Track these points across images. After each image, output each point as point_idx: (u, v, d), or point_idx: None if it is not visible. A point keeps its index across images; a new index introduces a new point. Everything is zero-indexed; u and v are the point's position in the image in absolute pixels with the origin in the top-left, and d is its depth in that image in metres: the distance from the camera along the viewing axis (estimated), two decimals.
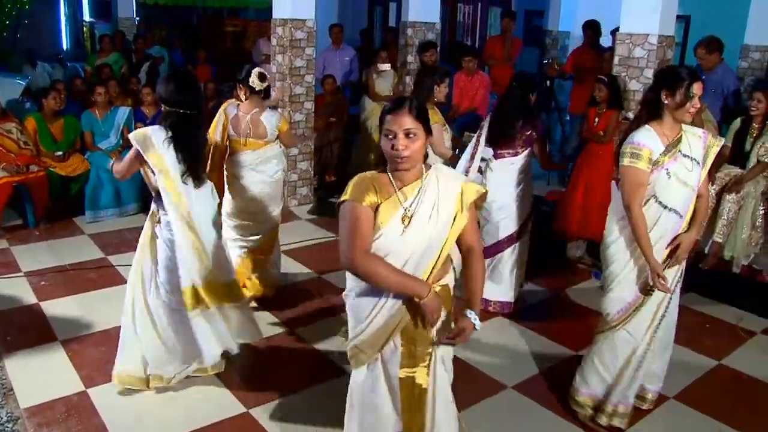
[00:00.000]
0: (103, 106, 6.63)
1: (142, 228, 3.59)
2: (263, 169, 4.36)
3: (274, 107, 4.80)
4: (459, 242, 2.46)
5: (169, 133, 3.33)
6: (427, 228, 2.32)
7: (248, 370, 3.84)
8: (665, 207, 3.02)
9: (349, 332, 2.54)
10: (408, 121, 2.26)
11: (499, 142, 4.42)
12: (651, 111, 3.08)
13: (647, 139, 3.00)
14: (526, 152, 4.47)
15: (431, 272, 2.37)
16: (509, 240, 4.54)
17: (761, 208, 4.67)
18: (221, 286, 3.57)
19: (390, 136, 2.27)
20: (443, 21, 10.12)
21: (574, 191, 5.45)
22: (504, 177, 4.44)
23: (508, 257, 4.50)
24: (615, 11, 5.58)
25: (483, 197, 2.45)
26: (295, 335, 4.26)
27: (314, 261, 5.47)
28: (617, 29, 5.49)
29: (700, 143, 3.08)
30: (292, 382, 3.70)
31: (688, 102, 2.98)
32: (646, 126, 3.06)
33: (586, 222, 5.29)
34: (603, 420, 3.30)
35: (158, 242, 3.45)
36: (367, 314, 2.42)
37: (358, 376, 2.55)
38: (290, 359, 4.00)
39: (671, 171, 2.99)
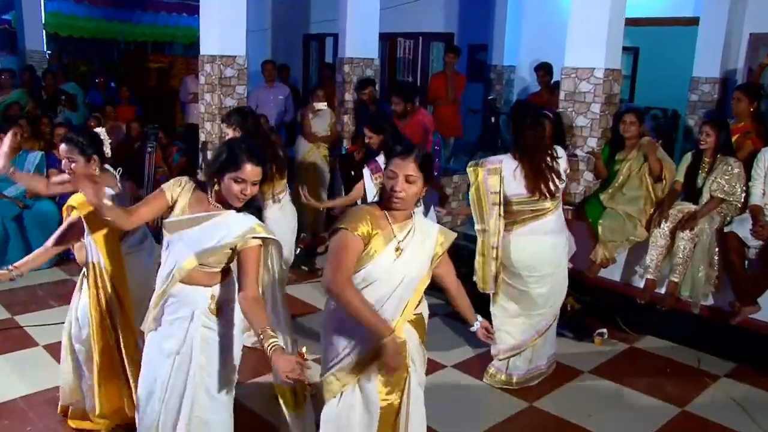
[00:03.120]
0: (12, 149, 6.34)
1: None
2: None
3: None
4: (442, 280, 2.94)
5: None
6: (413, 262, 2.71)
7: None
8: None
9: (325, 362, 2.80)
10: (411, 168, 2.62)
11: None
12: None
13: None
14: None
15: (414, 302, 2.76)
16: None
17: (716, 244, 4.78)
18: None
19: (392, 177, 2.64)
20: (382, 57, 10.26)
21: None
22: None
23: None
24: (560, 44, 5.72)
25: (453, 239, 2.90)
26: None
27: (295, 306, 5.26)
28: None
29: None
30: None
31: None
32: None
33: None
34: None
35: None
36: (350, 341, 2.72)
37: (330, 408, 2.80)
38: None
39: None
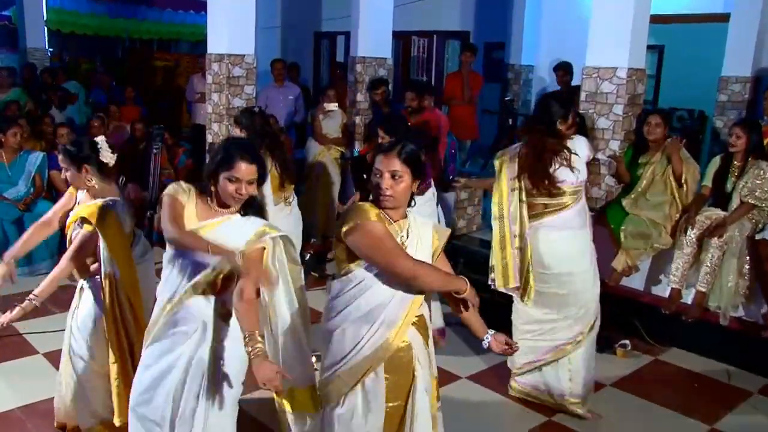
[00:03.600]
0: (12, 149, 6.41)
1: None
2: None
3: None
4: None
5: None
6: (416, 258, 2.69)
7: None
8: None
9: (326, 365, 2.78)
10: (395, 164, 2.62)
11: None
12: (551, 136, 4.04)
13: None
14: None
15: (418, 302, 2.75)
16: None
17: (747, 253, 4.71)
18: None
19: (377, 174, 2.65)
20: (396, 56, 10.23)
21: None
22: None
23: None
24: (581, 43, 5.68)
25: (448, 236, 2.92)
26: None
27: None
28: None
29: None
30: None
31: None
32: None
33: None
34: None
35: None
36: (355, 343, 2.69)
37: (335, 410, 2.77)
38: None
39: None
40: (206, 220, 2.81)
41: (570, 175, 4.01)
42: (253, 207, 2.87)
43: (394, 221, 2.72)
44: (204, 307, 2.85)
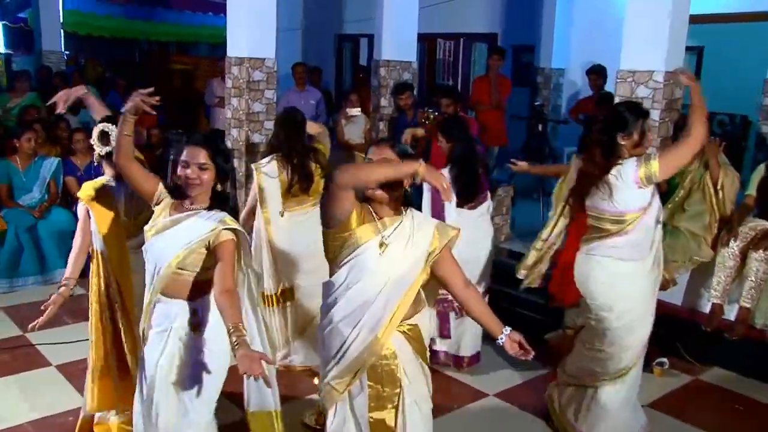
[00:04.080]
0: (27, 155, 6.48)
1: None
2: None
3: None
4: (449, 285, 2.83)
5: None
6: (401, 260, 2.70)
7: None
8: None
9: (321, 371, 2.86)
10: (387, 152, 2.76)
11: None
12: (609, 154, 3.63)
13: None
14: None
15: (404, 306, 2.72)
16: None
17: None
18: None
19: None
20: (421, 59, 10.22)
21: (570, 249, 5.37)
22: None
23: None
24: (615, 45, 5.63)
25: (456, 237, 2.82)
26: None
27: None
28: None
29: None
30: None
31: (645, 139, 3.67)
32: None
33: None
34: None
35: None
36: (340, 346, 2.73)
37: (329, 422, 2.85)
38: None
39: None
40: (175, 215, 2.94)
41: (609, 206, 3.69)
42: (221, 202, 2.95)
43: (382, 217, 2.73)
44: (172, 309, 2.94)
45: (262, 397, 3.21)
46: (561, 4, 9.77)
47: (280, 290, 4.76)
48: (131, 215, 3.66)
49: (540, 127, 8.65)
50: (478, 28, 10.89)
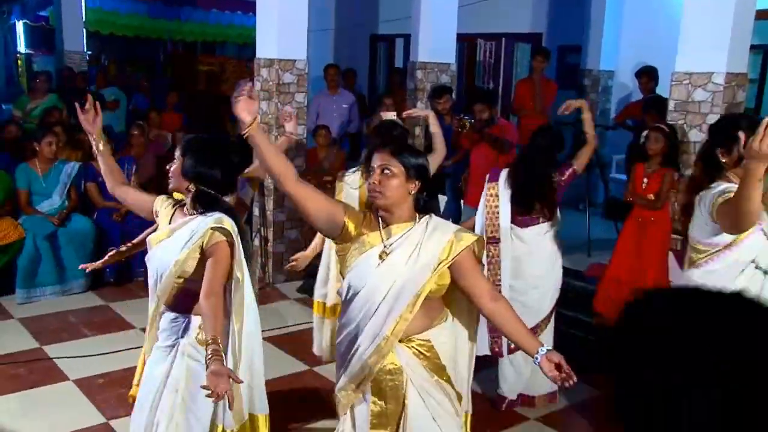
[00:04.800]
0: (47, 159, 6.55)
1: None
2: None
3: None
4: (473, 297, 2.70)
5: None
6: (403, 268, 2.67)
7: None
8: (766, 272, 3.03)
9: (336, 379, 2.90)
10: (386, 158, 2.70)
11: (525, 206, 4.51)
12: (710, 170, 3.18)
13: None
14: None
15: (407, 317, 2.65)
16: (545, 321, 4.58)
17: None
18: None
19: (371, 171, 2.73)
20: (460, 61, 10.19)
21: (620, 266, 5.34)
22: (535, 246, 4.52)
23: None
24: (669, 45, 5.55)
25: (481, 245, 2.78)
26: None
27: (304, 350, 5.27)
28: None
29: None
30: None
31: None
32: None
33: None
34: None
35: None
36: (345, 357, 2.78)
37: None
38: None
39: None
40: (173, 224, 3.07)
41: (691, 228, 3.41)
42: (221, 207, 3.02)
43: (390, 224, 2.73)
44: (179, 324, 3.03)
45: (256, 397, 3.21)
46: (611, 1, 9.65)
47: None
48: None
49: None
50: (521, 28, 10.83)
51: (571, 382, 2.52)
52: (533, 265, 4.51)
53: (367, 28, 12.68)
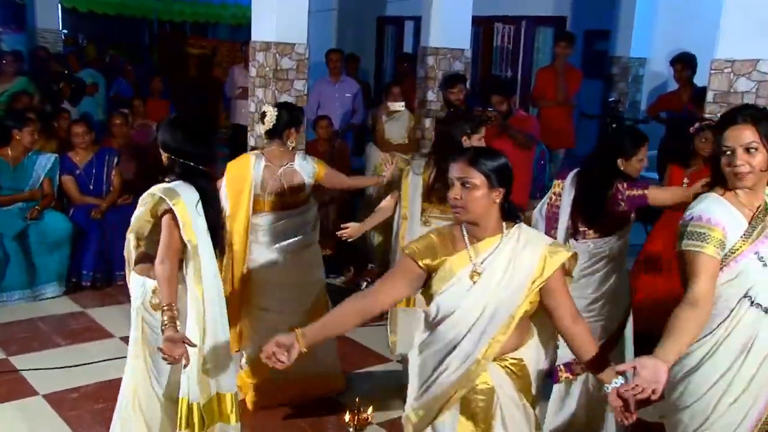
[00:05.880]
0: (21, 149, 6.47)
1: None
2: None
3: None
4: (554, 317, 2.76)
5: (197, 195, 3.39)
6: (497, 288, 2.69)
7: None
8: (766, 310, 2.72)
9: (408, 396, 2.93)
10: (463, 170, 2.70)
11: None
12: (716, 173, 2.84)
13: (717, 211, 2.73)
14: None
15: (501, 339, 2.70)
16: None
17: None
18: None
19: (450, 184, 2.74)
20: (475, 47, 10.15)
21: (653, 276, 5.39)
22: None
23: None
24: (707, 30, 5.50)
25: (574, 260, 2.81)
26: None
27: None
28: None
29: None
30: None
31: (723, 158, 2.74)
32: (713, 194, 2.82)
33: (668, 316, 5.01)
34: None
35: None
36: (426, 378, 2.81)
37: None
38: None
39: (765, 256, 2.71)
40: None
41: None
42: (183, 173, 3.39)
43: (479, 239, 2.74)
44: (135, 285, 3.47)
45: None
46: None
47: None
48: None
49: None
50: (543, 11, 10.87)
51: (629, 421, 2.59)
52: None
53: (373, 10, 12.72)
